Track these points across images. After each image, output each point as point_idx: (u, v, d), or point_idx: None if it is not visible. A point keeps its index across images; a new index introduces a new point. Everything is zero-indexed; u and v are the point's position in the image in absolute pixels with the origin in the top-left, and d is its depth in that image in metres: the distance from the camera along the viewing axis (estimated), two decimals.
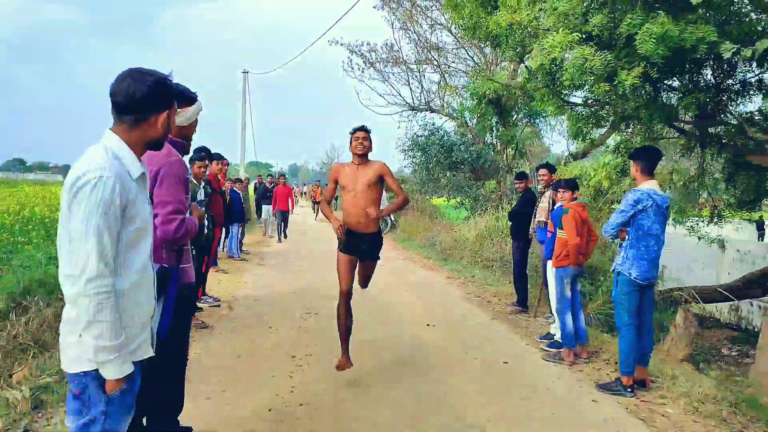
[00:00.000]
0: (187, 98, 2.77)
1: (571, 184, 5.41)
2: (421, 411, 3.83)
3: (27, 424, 3.25)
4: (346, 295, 4.50)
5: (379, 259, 4.66)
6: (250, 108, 24.78)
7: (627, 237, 4.35)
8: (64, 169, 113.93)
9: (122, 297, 1.85)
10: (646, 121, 5.98)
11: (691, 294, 7.28)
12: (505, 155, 12.74)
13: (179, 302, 2.58)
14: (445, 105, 16.58)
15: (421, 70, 16.45)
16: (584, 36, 5.29)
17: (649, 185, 4.35)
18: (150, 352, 2.03)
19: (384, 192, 5.38)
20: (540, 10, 5.54)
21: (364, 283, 4.81)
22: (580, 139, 6.92)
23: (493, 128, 12.17)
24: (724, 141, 6.13)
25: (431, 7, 15.24)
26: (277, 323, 6.02)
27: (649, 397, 4.23)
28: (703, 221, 7.86)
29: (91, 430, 1.86)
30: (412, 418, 3.70)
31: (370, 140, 4.57)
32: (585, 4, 5.29)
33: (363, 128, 4.66)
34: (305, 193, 43.63)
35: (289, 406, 3.85)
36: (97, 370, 1.83)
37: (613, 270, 4.47)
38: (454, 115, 15.65)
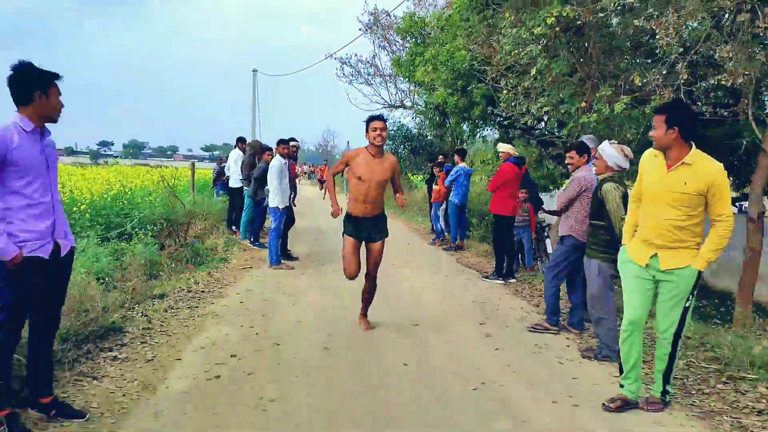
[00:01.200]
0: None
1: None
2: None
3: None
4: (350, 279, 4.77)
5: (387, 236, 4.81)
6: (259, 105, 29.68)
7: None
8: (68, 151, 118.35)
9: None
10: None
11: None
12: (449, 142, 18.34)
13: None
14: (414, 104, 22.03)
15: (394, 77, 21.90)
16: (452, 91, 10.99)
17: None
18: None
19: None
20: (433, 78, 11.25)
21: (373, 268, 4.84)
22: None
23: (440, 125, 17.63)
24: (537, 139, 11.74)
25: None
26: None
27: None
28: None
29: None
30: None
31: (387, 130, 4.55)
32: (453, 76, 10.96)
33: (381, 117, 4.59)
34: (307, 173, 44.22)
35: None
36: None
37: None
38: (421, 111, 21.17)
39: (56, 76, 2.87)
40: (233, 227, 10.79)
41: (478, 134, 13.10)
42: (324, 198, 22.77)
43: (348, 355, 4.32)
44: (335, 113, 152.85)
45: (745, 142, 7.32)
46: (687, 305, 3.40)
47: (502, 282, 7.41)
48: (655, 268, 3.42)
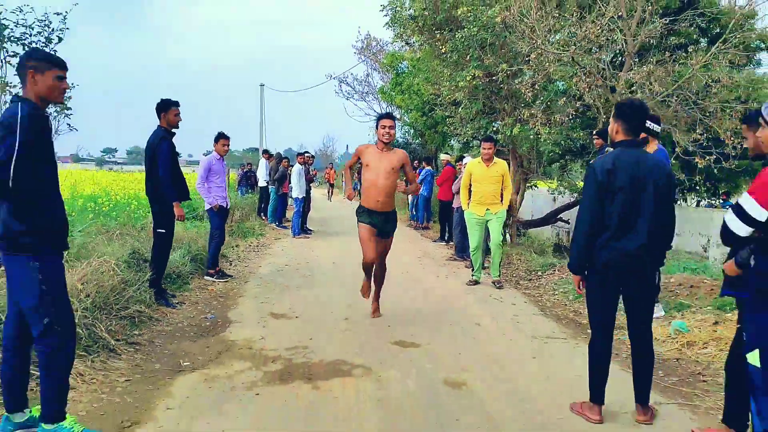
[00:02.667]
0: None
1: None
2: None
3: None
4: (370, 264, 5.25)
5: (394, 230, 5.39)
6: (265, 118, 33.75)
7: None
8: (74, 158, 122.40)
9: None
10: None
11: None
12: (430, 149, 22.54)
13: None
14: (402, 117, 26.30)
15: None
16: (421, 113, 15.28)
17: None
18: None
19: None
20: (408, 103, 15.49)
21: (381, 258, 5.35)
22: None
23: (422, 135, 21.81)
24: None
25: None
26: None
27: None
28: None
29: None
30: None
31: (395, 128, 5.02)
32: (421, 103, 15.22)
33: (389, 116, 5.12)
34: (318, 181, 48.94)
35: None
36: None
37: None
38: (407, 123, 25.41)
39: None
40: (262, 215, 15.01)
41: (447, 144, 17.28)
42: (330, 200, 26.60)
43: (346, 268, 8.50)
44: (334, 120, 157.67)
45: None
46: (503, 226, 7.62)
47: (444, 243, 11.63)
48: (486, 215, 7.58)
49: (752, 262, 2.55)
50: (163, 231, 5.72)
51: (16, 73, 4.75)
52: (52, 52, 5.27)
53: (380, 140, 5.12)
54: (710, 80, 9.56)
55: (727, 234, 2.53)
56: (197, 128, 36.69)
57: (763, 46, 15.18)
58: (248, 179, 18.93)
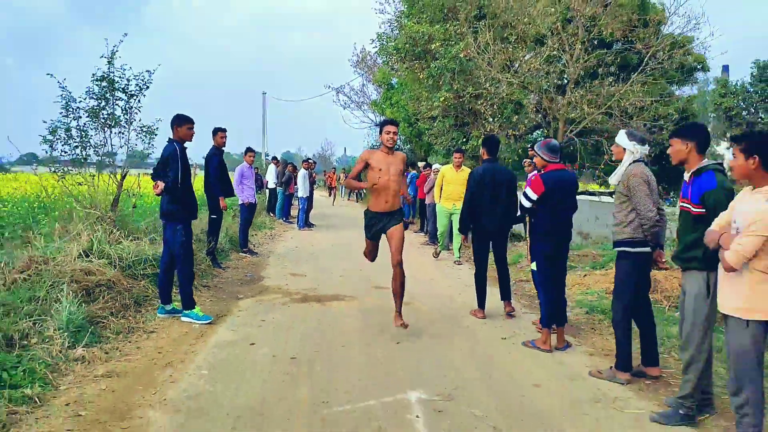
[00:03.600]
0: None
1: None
2: None
3: None
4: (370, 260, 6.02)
5: (401, 221, 5.50)
6: (267, 124, 36.43)
7: None
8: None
9: None
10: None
11: None
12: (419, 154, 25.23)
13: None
14: None
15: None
16: (408, 125, 18.00)
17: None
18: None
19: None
20: (397, 115, 18.19)
21: (397, 253, 5.46)
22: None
23: (411, 141, 24.49)
24: None
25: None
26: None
27: None
28: None
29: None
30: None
31: (398, 133, 5.47)
32: (407, 115, 17.95)
33: (393, 122, 5.53)
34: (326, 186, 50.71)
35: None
36: None
37: None
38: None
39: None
40: (271, 213, 17.67)
41: (432, 151, 19.95)
42: (333, 204, 27.88)
43: (341, 249, 11.14)
44: (332, 124, 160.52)
45: None
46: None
47: (423, 234, 14.31)
48: (452, 208, 10.22)
49: (531, 220, 5.23)
50: (215, 217, 8.39)
51: (122, 113, 7.50)
52: (143, 95, 7.92)
53: (385, 145, 5.41)
54: (644, 100, 12.29)
55: (521, 207, 5.18)
56: (197, 130, 39.11)
57: (699, 66, 18.06)
58: (256, 181, 21.59)
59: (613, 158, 4.47)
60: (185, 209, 5.53)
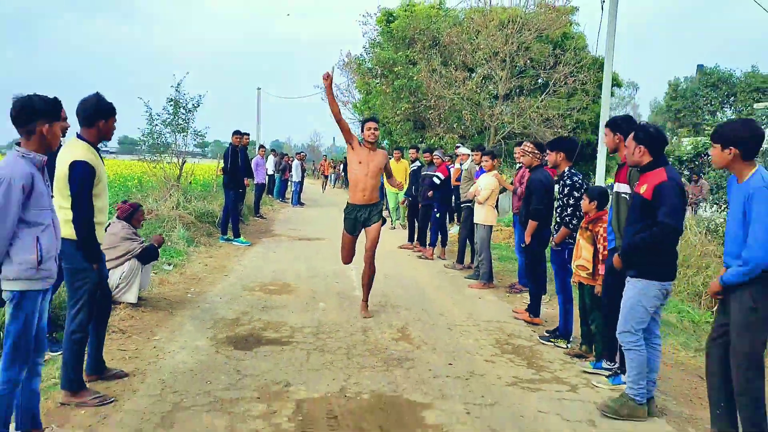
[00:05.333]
0: None
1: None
2: None
3: None
4: (346, 263, 6.46)
5: (380, 220, 6.04)
6: (261, 119, 40.68)
7: None
8: None
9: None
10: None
11: None
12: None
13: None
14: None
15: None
16: (382, 125, 22.75)
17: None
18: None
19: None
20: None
21: (371, 246, 5.99)
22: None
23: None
24: None
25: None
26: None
27: None
28: None
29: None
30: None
31: (379, 129, 5.86)
32: (382, 117, 22.68)
33: (374, 119, 5.88)
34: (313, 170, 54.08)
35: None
36: None
37: None
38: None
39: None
40: (270, 195, 22.30)
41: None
42: (324, 192, 33.33)
43: (325, 219, 15.79)
44: (321, 116, 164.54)
45: None
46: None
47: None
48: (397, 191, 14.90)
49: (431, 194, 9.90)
50: (241, 191, 13.04)
51: (184, 122, 12.18)
52: (196, 111, 12.53)
53: (366, 140, 5.73)
54: (562, 110, 17.02)
55: (431, 185, 9.78)
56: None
57: (615, 82, 23.00)
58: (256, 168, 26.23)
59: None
60: (234, 183, 10.19)
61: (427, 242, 10.30)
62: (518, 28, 16.75)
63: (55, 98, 3.09)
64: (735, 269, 3.11)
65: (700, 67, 47.88)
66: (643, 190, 3.73)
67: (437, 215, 9.92)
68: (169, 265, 7.79)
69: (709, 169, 16.18)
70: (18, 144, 3.02)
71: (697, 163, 17.85)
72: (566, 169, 5.51)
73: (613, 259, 4.05)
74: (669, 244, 3.73)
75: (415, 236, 11.05)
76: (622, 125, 4.44)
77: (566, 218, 5.36)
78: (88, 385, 3.78)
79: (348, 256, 6.29)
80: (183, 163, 12.65)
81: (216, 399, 3.81)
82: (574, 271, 5.07)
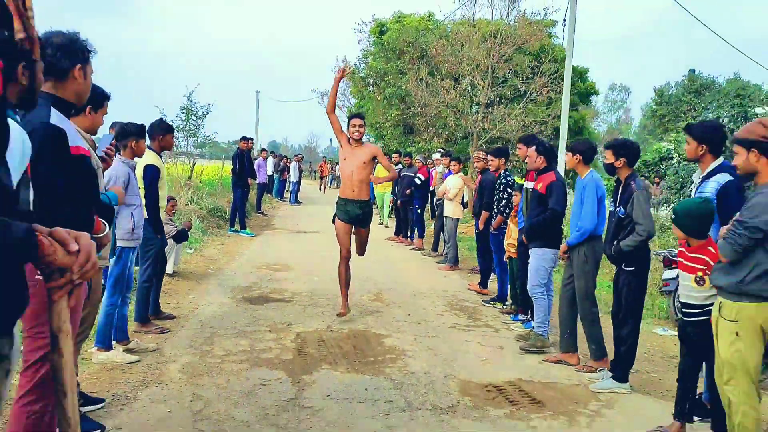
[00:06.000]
0: None
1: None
2: None
3: None
4: (346, 259, 6.11)
5: (369, 224, 6.31)
6: (258, 124, 42.27)
7: None
8: None
9: None
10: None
11: None
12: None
13: None
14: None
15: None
16: (374, 128, 24.48)
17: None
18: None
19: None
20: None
21: (361, 250, 6.39)
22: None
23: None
24: None
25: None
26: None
27: None
28: None
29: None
30: None
31: (365, 126, 6.04)
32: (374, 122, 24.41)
33: (359, 115, 6.17)
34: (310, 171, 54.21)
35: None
36: None
37: None
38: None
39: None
40: (269, 194, 24.00)
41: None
42: (324, 192, 35.19)
43: (320, 215, 17.46)
44: (318, 118, 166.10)
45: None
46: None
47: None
48: (384, 190, 16.60)
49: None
50: (246, 189, 14.74)
51: (195, 128, 13.91)
52: (206, 117, 14.24)
53: (351, 137, 5.98)
54: (539, 117, 18.72)
55: (411, 184, 11.46)
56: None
57: (593, 91, 24.76)
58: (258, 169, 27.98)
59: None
60: (242, 182, 11.89)
61: (409, 234, 12.02)
62: (500, 41, 18.44)
63: (142, 124, 4.80)
64: (574, 234, 4.81)
65: (691, 71, 49.75)
66: (539, 186, 5.44)
67: (418, 210, 11.62)
68: (190, 249, 9.47)
69: (669, 172, 17.90)
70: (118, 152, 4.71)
71: (661, 166, 19.58)
72: (503, 171, 7.22)
73: (523, 235, 5.75)
74: (557, 223, 5.43)
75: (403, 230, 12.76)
76: (577, 147, 5.13)
77: (501, 208, 7.07)
78: (151, 320, 5.47)
79: (346, 245, 6.23)
80: (194, 165, 14.35)
81: (240, 330, 5.51)
82: (505, 249, 6.78)
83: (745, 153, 3.13)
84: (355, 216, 6.15)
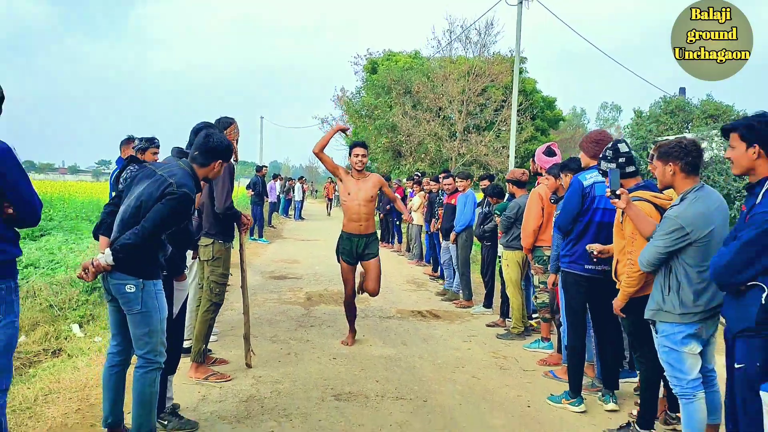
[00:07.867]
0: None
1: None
2: None
3: None
4: (350, 297, 6.01)
5: (377, 253, 5.99)
6: (263, 146, 46.31)
7: None
8: (72, 170, 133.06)
9: None
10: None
11: None
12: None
13: None
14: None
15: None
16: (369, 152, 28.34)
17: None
18: None
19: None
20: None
21: (376, 284, 5.97)
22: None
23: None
24: None
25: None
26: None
27: None
28: None
29: None
30: None
31: (367, 156, 5.82)
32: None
33: (362, 144, 5.85)
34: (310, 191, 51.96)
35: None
36: None
37: None
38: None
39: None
40: (275, 212, 27.76)
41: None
42: (329, 214, 39.64)
43: (323, 229, 21.14)
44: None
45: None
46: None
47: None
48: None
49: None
50: (259, 207, 18.47)
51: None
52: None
53: (354, 168, 5.79)
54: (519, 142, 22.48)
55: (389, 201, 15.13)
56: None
57: (561, 118, 28.66)
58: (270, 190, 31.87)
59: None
60: (259, 201, 15.62)
61: (390, 239, 15.77)
62: (474, 77, 22.26)
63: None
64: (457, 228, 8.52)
65: (682, 90, 53.52)
66: (453, 201, 9.12)
67: (397, 222, 15.33)
68: None
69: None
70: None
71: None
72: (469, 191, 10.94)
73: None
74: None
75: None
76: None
77: (437, 218, 10.74)
78: None
79: (351, 287, 6.06)
80: None
81: (271, 290, 9.19)
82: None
83: None
84: (362, 250, 5.93)
